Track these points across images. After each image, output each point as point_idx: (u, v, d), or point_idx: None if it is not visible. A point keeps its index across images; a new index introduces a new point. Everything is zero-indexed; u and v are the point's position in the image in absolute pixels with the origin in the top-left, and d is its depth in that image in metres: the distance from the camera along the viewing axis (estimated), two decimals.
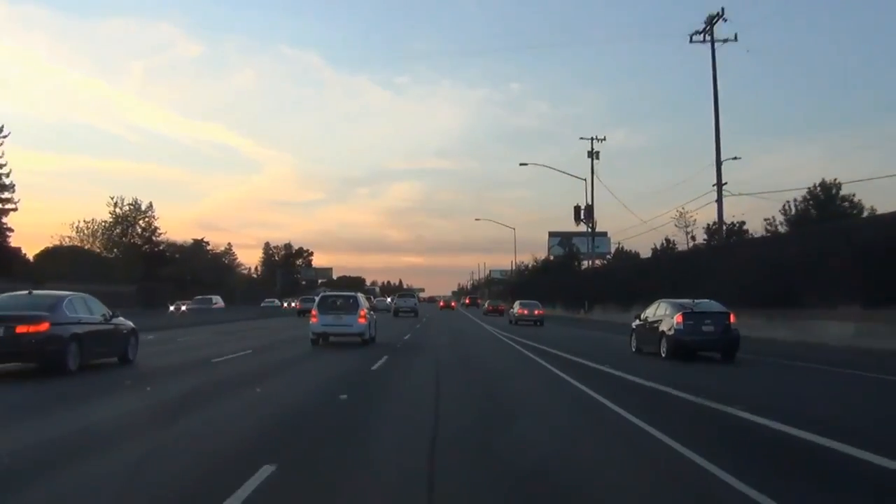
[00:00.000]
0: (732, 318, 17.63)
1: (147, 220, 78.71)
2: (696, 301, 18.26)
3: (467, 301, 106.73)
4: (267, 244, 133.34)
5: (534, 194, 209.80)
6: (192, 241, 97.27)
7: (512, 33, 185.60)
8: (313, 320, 22.26)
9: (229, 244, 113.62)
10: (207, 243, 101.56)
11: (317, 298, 24.50)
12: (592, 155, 54.05)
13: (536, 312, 40.79)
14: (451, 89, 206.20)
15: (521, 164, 51.89)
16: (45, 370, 13.07)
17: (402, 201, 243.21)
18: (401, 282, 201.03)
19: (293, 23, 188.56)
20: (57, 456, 6.66)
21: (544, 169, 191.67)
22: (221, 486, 5.37)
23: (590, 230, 57.11)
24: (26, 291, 15.46)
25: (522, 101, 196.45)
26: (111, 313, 15.78)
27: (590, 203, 54.31)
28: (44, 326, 13.14)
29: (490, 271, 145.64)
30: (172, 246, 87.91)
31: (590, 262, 68.01)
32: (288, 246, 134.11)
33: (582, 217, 54.59)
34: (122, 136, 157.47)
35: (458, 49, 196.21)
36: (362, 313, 22.05)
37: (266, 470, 5.85)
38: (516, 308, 43.08)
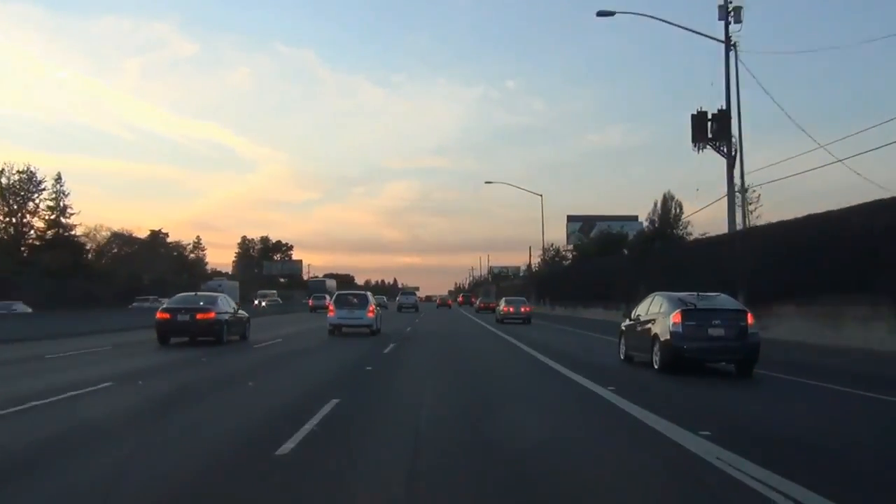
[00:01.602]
0: (750, 319, 13.27)
1: (54, 196, 64.32)
2: (700, 294, 13.90)
3: (460, 300, 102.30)
4: (244, 238, 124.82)
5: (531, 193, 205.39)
6: (149, 232, 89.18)
7: (508, 31, 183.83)
8: (330, 314, 26.54)
9: (198, 237, 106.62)
10: (166, 235, 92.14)
11: (332, 297, 29.43)
12: (727, 13, 29.50)
13: (523, 310, 39.85)
14: (447, 87, 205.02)
15: (600, 14, 27.99)
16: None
17: (398, 200, 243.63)
18: (395, 280, 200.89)
19: (288, 21, 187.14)
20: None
21: (544, 170, 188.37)
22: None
23: (727, 155, 29.82)
24: (193, 293, 24.11)
25: (518, 98, 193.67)
26: (238, 307, 24.49)
27: (724, 107, 29.82)
28: (212, 315, 20.86)
29: (491, 267, 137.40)
30: (119, 237, 79.60)
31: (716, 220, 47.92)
32: (265, 239, 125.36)
33: (710, 132, 30.19)
34: (116, 134, 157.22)
35: (454, 47, 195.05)
36: (371, 309, 26.30)
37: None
38: (502, 305, 42.14)
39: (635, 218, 69.48)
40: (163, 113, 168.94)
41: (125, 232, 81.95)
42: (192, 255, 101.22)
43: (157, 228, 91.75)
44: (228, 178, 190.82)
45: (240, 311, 23.85)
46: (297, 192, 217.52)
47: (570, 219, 77.36)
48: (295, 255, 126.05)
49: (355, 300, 26.80)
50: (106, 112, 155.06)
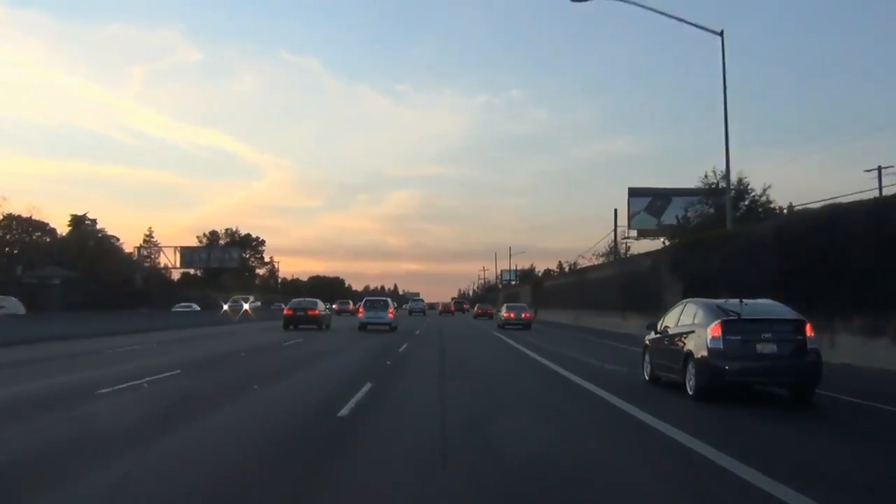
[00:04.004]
0: (809, 331, 10.76)
1: None
2: (745, 301, 11.37)
3: (451, 309, 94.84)
4: (214, 232, 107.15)
5: (534, 202, 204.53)
6: (70, 217, 73.81)
7: (512, 41, 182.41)
8: (360, 314, 35.41)
9: (149, 230, 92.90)
10: (93, 222, 75.88)
11: (363, 302, 38.25)
12: None
13: (524, 316, 41.64)
14: (450, 96, 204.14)
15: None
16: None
17: (401, 208, 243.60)
18: (396, 286, 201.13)
19: (293, 29, 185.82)
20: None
21: (545, 177, 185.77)
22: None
23: None
24: (303, 298, 41.67)
25: (522, 108, 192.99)
26: (325, 306, 40.29)
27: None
28: (317, 312, 35.02)
29: (501, 272, 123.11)
30: (20, 221, 67.20)
31: None
32: (231, 232, 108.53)
33: None
34: (120, 141, 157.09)
35: (459, 56, 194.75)
36: (390, 311, 34.82)
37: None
38: (503, 311, 43.92)
39: (722, 192, 49.62)
40: (167, 120, 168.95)
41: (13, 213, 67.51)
42: (141, 252, 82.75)
43: (80, 213, 75.47)
44: (232, 184, 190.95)
45: (327, 310, 38.89)
46: (300, 199, 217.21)
47: (633, 193, 53.52)
48: (295, 261, 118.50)
49: (379, 305, 35.62)
50: (110, 118, 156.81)
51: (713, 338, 10.81)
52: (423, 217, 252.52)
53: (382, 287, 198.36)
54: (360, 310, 35.97)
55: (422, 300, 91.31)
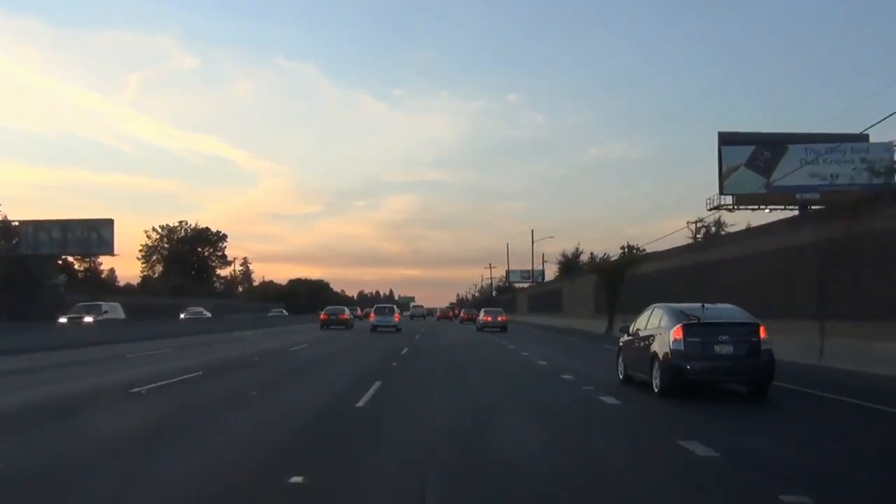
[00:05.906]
0: (763, 333, 11.85)
1: None
2: (706, 306, 12.45)
3: (449, 314, 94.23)
4: (170, 227, 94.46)
5: (531, 206, 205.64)
6: None
7: (509, 44, 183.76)
8: (371, 318, 43.17)
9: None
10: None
11: (374, 308, 46.85)
12: None
13: (500, 319, 46.90)
14: (448, 101, 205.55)
15: None
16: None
17: (398, 213, 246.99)
18: (391, 292, 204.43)
19: (289, 35, 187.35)
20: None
21: (542, 181, 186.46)
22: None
23: None
24: (335, 306, 54.84)
25: (519, 112, 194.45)
26: (353, 312, 58.85)
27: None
28: (346, 315, 47.42)
29: (508, 272, 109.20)
30: None
31: None
32: (187, 227, 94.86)
33: None
34: (117, 148, 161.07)
35: (455, 60, 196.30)
36: (396, 315, 43.12)
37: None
38: (481, 315, 49.55)
39: (866, 137, 36.15)
40: (164, 127, 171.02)
41: None
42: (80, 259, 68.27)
43: None
44: (229, 191, 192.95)
45: (352, 315, 50.18)
46: (297, 205, 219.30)
47: (726, 139, 38.37)
48: (294, 268, 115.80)
49: (386, 311, 43.73)
50: (107, 126, 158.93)
51: (675, 340, 11.90)
52: (421, 222, 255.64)
53: (377, 293, 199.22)
54: (371, 315, 44.17)
55: (421, 306, 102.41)
